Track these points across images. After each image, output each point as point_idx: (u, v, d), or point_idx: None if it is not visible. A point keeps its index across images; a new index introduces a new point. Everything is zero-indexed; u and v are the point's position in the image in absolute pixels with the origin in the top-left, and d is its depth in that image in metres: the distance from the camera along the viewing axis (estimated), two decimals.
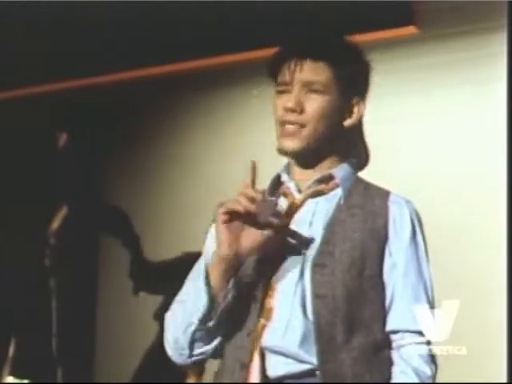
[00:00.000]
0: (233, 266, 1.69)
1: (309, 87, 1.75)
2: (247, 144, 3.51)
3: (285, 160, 1.87)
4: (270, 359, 1.69)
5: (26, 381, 3.11)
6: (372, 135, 3.55)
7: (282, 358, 1.68)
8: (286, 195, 1.81)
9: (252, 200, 1.64)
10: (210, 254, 1.78)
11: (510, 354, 2.52)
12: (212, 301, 1.69)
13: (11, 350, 3.09)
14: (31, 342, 3.10)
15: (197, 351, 1.76)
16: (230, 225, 1.65)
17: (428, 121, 3.47)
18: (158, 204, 3.88)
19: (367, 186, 1.82)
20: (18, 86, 3.83)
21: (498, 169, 3.00)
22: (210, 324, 1.71)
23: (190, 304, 1.72)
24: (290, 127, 1.75)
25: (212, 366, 1.88)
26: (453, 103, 3.43)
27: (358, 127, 1.86)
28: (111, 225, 3.27)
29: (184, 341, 1.74)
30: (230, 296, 1.71)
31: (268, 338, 1.69)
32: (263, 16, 3.37)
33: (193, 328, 1.72)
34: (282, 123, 1.77)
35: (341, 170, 1.80)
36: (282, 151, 1.79)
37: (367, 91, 1.86)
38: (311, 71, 1.76)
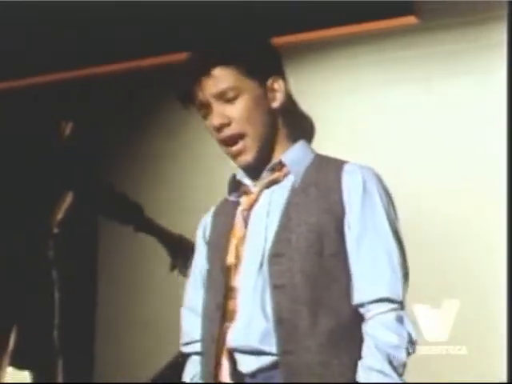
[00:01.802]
0: None
1: (224, 98, 1.73)
2: None
3: None
4: (240, 358, 1.67)
5: (25, 372, 3.11)
6: (370, 124, 3.59)
7: (249, 357, 1.65)
8: (246, 193, 1.79)
9: None
10: (201, 261, 1.82)
11: (510, 354, 2.52)
12: None
13: (12, 341, 3.09)
14: (32, 333, 3.10)
15: None
16: None
17: (428, 110, 3.47)
18: (159, 195, 3.87)
19: (323, 161, 1.77)
20: (24, 75, 3.84)
21: (499, 162, 2.99)
22: None
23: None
24: (233, 147, 1.73)
25: None
26: (453, 93, 3.43)
27: (291, 104, 1.82)
28: (123, 213, 3.25)
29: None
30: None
31: (232, 339, 1.67)
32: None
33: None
34: (222, 143, 1.75)
35: (290, 153, 1.76)
36: (242, 167, 1.78)
37: (279, 67, 1.81)
38: (218, 81, 1.72)
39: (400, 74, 3.54)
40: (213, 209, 1.86)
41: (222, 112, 1.71)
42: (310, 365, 1.60)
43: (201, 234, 1.85)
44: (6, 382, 3.07)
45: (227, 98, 1.71)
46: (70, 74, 3.81)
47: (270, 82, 1.75)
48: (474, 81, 3.40)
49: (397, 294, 1.63)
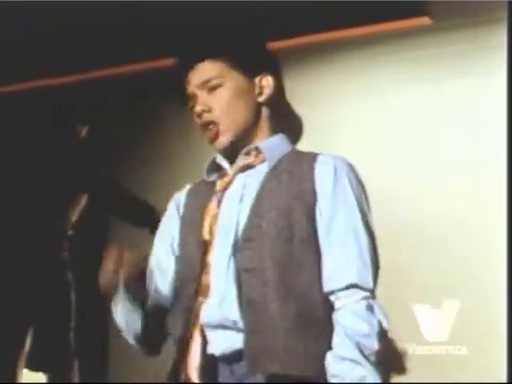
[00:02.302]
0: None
1: (207, 87, 1.79)
2: None
3: None
4: (211, 336, 1.68)
5: (40, 373, 3.12)
6: (379, 124, 3.59)
7: (221, 333, 1.67)
8: (222, 176, 1.83)
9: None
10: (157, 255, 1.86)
11: (510, 354, 2.52)
12: (143, 309, 1.78)
13: (27, 343, 3.09)
14: (48, 334, 3.10)
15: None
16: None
17: (435, 111, 3.47)
18: (171, 196, 3.85)
19: (299, 154, 1.80)
20: (39, 77, 3.86)
21: (499, 163, 3.00)
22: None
23: (125, 320, 1.79)
24: (209, 132, 1.79)
25: None
26: (461, 93, 3.43)
27: (280, 102, 1.87)
28: (138, 215, 3.26)
29: (136, 343, 1.82)
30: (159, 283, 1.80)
31: (205, 314, 1.68)
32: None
33: (138, 335, 1.79)
34: (202, 129, 1.81)
35: (267, 141, 1.81)
36: (219, 151, 1.83)
37: (272, 66, 1.86)
38: (200, 74, 1.80)
39: (408, 74, 3.55)
40: (187, 187, 1.91)
41: (203, 100, 1.78)
42: (274, 348, 1.60)
43: (174, 207, 1.88)
44: (21, 383, 3.07)
45: (210, 86, 1.78)
46: (81, 76, 3.83)
47: (258, 78, 1.81)
48: (484, 81, 3.40)
49: (366, 282, 1.63)
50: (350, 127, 3.54)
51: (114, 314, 1.79)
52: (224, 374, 1.66)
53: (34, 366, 3.10)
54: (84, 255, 3.28)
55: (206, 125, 1.79)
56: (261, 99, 1.81)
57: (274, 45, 3.29)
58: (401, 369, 1.77)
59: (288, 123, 1.88)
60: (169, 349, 1.76)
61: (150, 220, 3.21)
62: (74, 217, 3.19)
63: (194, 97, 1.80)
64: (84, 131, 3.23)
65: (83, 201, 3.20)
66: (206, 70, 1.79)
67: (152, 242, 3.27)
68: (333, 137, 3.49)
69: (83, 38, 3.64)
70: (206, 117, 1.78)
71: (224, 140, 1.78)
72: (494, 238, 3.08)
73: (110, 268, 1.73)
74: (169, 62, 3.37)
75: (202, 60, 1.79)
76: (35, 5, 3.42)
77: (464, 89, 3.44)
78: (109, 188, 3.25)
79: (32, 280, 3.04)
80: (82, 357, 3.10)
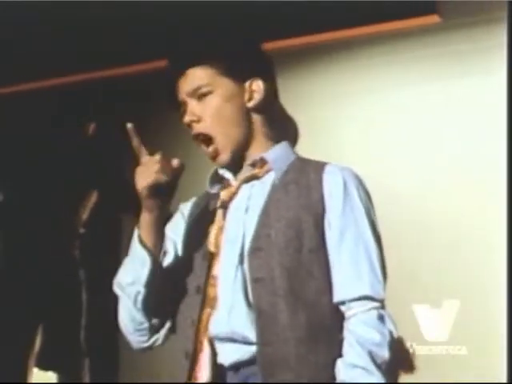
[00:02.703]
0: (157, 215, 1.73)
1: (197, 94, 1.78)
2: None
3: None
4: (220, 348, 1.68)
5: (50, 373, 3.11)
6: (382, 125, 3.58)
7: (230, 345, 1.67)
8: (226, 187, 1.83)
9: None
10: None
11: (510, 354, 2.52)
12: (154, 261, 1.73)
13: (38, 342, 3.08)
14: (59, 333, 3.10)
15: (154, 321, 1.78)
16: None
17: (438, 110, 3.47)
18: (182, 195, 3.84)
19: (304, 162, 1.80)
20: (47, 76, 3.85)
21: (499, 163, 3.00)
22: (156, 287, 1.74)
23: (132, 274, 1.75)
24: (208, 151, 1.79)
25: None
26: (463, 93, 3.43)
27: (273, 105, 1.86)
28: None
29: (137, 312, 1.76)
30: (167, 254, 1.77)
31: (213, 327, 1.69)
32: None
33: (141, 297, 1.74)
34: (194, 140, 1.80)
35: (272, 152, 1.80)
36: (221, 167, 1.83)
37: (263, 69, 1.85)
38: (192, 79, 1.78)
39: (410, 74, 3.54)
40: (193, 199, 1.92)
41: (192, 109, 1.78)
42: (286, 358, 1.61)
43: (180, 216, 1.88)
44: (31, 382, 3.06)
45: (199, 94, 1.77)
46: (93, 74, 3.82)
47: (248, 82, 1.79)
48: (485, 80, 3.40)
49: (377, 293, 1.65)
50: (352, 127, 3.53)
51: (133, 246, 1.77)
52: (231, 379, 1.67)
53: (44, 365, 3.10)
54: (95, 253, 3.29)
55: (197, 135, 1.78)
56: (250, 104, 1.79)
57: (277, 44, 3.31)
58: (408, 369, 1.79)
59: (283, 128, 1.87)
60: (177, 357, 1.75)
61: None
62: (85, 215, 3.19)
63: (184, 104, 1.80)
64: (92, 129, 3.24)
65: (93, 198, 3.21)
66: (195, 77, 1.78)
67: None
68: (336, 137, 3.49)
69: (92, 37, 3.65)
70: (196, 127, 1.78)
71: (225, 157, 1.78)
72: (495, 238, 3.08)
73: (152, 168, 1.72)
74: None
75: (191, 66, 1.78)
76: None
77: (465, 88, 3.43)
78: (119, 185, 3.26)
79: (43, 278, 3.04)
80: (93, 356, 3.10)
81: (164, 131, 4.05)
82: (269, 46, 3.37)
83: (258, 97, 1.80)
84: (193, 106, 1.78)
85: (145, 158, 1.76)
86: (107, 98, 3.73)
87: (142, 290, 1.73)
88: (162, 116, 4.07)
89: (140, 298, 1.74)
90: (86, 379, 3.07)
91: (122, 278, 1.78)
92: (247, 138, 1.79)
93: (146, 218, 1.75)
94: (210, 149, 1.78)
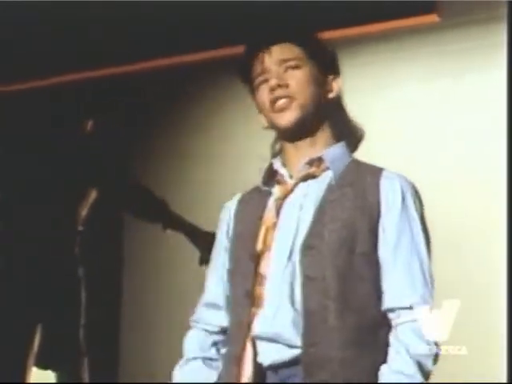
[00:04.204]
0: None
1: (285, 65, 1.79)
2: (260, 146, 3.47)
3: None
4: (261, 347, 1.69)
5: (49, 371, 3.11)
6: (385, 122, 3.59)
7: (272, 345, 1.67)
8: (279, 183, 1.82)
9: None
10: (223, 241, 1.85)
11: (510, 354, 2.52)
12: None
13: (36, 341, 3.08)
14: (58, 332, 3.09)
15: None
16: None
17: (439, 108, 3.47)
18: (184, 193, 3.85)
19: (361, 165, 1.82)
20: (46, 75, 3.86)
21: (499, 161, 2.99)
22: None
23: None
24: (280, 102, 1.78)
25: None
26: (462, 91, 3.43)
27: (342, 106, 1.89)
28: (150, 211, 3.25)
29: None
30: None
31: (258, 326, 1.69)
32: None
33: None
34: (272, 101, 1.79)
35: (330, 152, 1.80)
36: (278, 127, 1.81)
37: (339, 72, 1.89)
38: (282, 52, 1.80)
39: (411, 72, 3.54)
40: (238, 196, 1.90)
41: (279, 75, 1.77)
42: (331, 360, 1.62)
43: (225, 222, 1.88)
44: (30, 382, 3.06)
45: (288, 65, 1.78)
46: (96, 72, 3.83)
47: (331, 77, 1.83)
48: (484, 79, 3.40)
49: (428, 303, 1.69)
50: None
51: None
52: (271, 379, 1.68)
53: (43, 364, 3.10)
54: (95, 251, 3.28)
55: (278, 99, 1.77)
56: (330, 96, 1.81)
57: None
58: None
59: (346, 130, 1.87)
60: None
61: (162, 215, 3.21)
62: (84, 212, 3.18)
63: (267, 71, 1.79)
64: (90, 126, 3.23)
65: (93, 196, 3.20)
66: (288, 50, 1.80)
67: (164, 237, 3.27)
68: None
69: (91, 36, 3.65)
70: (280, 92, 1.77)
71: (292, 115, 1.77)
72: (495, 238, 3.08)
73: None
74: (184, 59, 3.32)
75: (285, 41, 1.80)
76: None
77: (465, 86, 3.43)
78: (119, 183, 3.25)
79: (42, 276, 3.03)
80: (92, 355, 3.10)
81: (164, 128, 4.06)
82: None
83: (336, 92, 1.83)
84: (281, 72, 1.78)
85: None
86: (107, 97, 3.74)
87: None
88: (162, 114, 4.09)
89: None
90: (85, 378, 3.07)
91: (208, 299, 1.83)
92: (316, 124, 1.80)
93: None
94: (285, 101, 1.77)
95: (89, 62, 3.79)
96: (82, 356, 3.09)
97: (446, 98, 3.47)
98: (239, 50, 3.20)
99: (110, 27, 3.63)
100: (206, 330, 1.84)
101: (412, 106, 3.53)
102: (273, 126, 1.83)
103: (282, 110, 1.77)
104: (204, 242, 3.09)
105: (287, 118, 1.78)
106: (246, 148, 3.64)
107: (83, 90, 3.67)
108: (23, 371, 3.04)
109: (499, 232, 2.93)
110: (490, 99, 3.32)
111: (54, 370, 3.11)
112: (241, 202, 1.89)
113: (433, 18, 3.37)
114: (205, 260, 3.07)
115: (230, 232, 1.85)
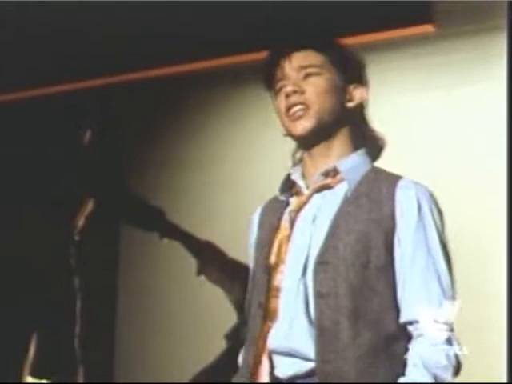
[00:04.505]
0: None
1: (305, 71, 1.77)
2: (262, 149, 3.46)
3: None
4: (278, 361, 1.68)
5: (44, 381, 3.10)
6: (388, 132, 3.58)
7: (288, 359, 1.66)
8: (297, 193, 1.80)
9: None
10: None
11: (510, 354, 2.51)
12: None
13: (32, 350, 3.07)
14: (53, 341, 3.08)
15: None
16: None
17: (438, 118, 3.46)
18: (183, 201, 3.84)
19: (378, 174, 1.78)
20: (43, 85, 3.85)
21: (498, 167, 2.99)
22: None
23: None
24: (295, 110, 1.76)
25: None
26: (463, 100, 3.42)
27: (363, 116, 1.86)
28: (147, 220, 3.24)
29: None
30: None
31: (272, 340, 1.68)
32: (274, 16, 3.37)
33: None
34: (287, 109, 1.76)
35: (346, 162, 1.77)
36: (293, 135, 1.79)
37: (365, 82, 1.86)
38: (302, 58, 1.78)
39: (410, 82, 3.53)
40: (261, 207, 1.88)
41: (296, 81, 1.74)
42: (347, 374, 1.60)
43: (251, 234, 1.86)
44: None
45: (307, 72, 1.76)
46: (94, 81, 3.81)
47: (352, 86, 1.79)
48: (485, 89, 3.39)
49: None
50: None
51: None
52: None
53: (38, 374, 3.08)
54: (91, 261, 3.27)
55: (293, 105, 1.75)
56: (349, 105, 1.78)
57: None
58: None
59: (366, 139, 1.84)
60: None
61: (159, 224, 3.20)
62: (81, 222, 3.17)
63: (286, 77, 1.77)
64: (88, 137, 3.22)
65: (90, 206, 3.18)
66: (309, 56, 1.78)
67: (161, 247, 3.25)
68: None
69: (89, 44, 3.63)
70: (295, 98, 1.74)
71: (307, 124, 1.75)
72: (495, 238, 3.07)
73: None
74: (183, 68, 3.31)
75: (307, 47, 1.78)
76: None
77: (465, 96, 3.42)
78: (116, 192, 3.24)
79: (38, 286, 3.02)
80: (87, 364, 3.08)
81: (162, 138, 4.04)
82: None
83: (357, 101, 1.80)
84: (298, 79, 1.76)
85: None
86: (104, 106, 3.73)
87: None
88: (160, 122, 4.08)
89: None
90: None
91: None
92: (333, 131, 1.77)
93: None
94: (300, 108, 1.74)
95: (85, 72, 3.78)
96: (77, 365, 3.08)
97: (446, 109, 3.46)
98: (237, 58, 3.19)
99: (107, 37, 3.62)
100: None
101: (406, 116, 3.52)
102: (289, 133, 1.81)
103: (298, 118, 1.76)
104: (201, 251, 3.08)
105: (302, 127, 1.75)
106: (247, 152, 3.63)
107: (80, 100, 3.66)
108: (18, 380, 3.02)
109: (500, 232, 2.92)
110: (490, 109, 3.31)
111: (49, 379, 3.10)
112: (262, 212, 1.87)
113: (428, 28, 3.36)
114: (203, 270, 3.06)
115: (253, 243, 1.85)
